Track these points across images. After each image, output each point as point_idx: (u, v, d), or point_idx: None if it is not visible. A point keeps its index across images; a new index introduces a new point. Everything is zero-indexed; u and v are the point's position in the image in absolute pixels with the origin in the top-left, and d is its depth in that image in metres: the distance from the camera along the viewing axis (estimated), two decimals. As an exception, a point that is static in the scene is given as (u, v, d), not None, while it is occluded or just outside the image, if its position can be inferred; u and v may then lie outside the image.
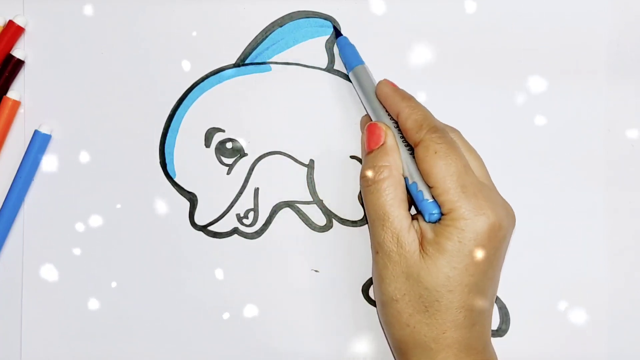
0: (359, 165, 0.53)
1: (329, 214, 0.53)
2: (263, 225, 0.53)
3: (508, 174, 0.53)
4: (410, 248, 0.44)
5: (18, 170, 0.52)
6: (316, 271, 0.51)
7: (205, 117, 0.53)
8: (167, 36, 0.53)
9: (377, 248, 0.46)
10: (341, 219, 0.53)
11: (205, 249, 0.53)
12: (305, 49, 0.53)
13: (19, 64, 0.53)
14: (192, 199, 0.53)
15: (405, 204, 0.46)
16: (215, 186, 0.53)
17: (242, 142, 0.53)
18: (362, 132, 0.49)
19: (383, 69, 0.53)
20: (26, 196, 0.53)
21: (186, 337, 0.52)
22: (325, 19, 0.53)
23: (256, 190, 0.53)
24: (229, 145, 0.53)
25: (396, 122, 0.48)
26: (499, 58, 0.53)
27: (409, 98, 0.48)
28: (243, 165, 0.53)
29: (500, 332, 0.52)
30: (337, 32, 0.52)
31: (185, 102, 0.53)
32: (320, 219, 0.53)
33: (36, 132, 0.52)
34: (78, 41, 0.53)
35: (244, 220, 0.53)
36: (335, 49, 0.53)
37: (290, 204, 0.53)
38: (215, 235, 0.53)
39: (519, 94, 0.53)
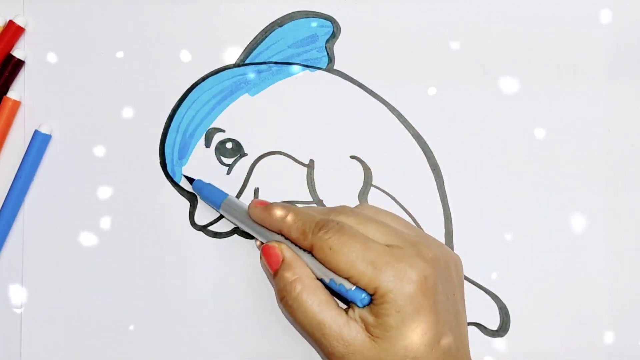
0: (359, 166, 0.53)
1: (329, 214, 0.53)
2: (263, 225, 0.53)
3: (508, 174, 0.53)
4: (359, 340, 0.44)
5: (18, 170, 0.52)
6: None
7: (205, 117, 0.53)
8: (167, 36, 0.53)
9: (330, 357, 0.45)
10: (341, 219, 0.53)
11: (205, 249, 0.53)
12: (305, 49, 0.53)
13: (19, 64, 0.53)
14: (192, 199, 0.53)
15: (333, 303, 0.45)
16: (215, 186, 0.53)
17: (242, 142, 0.53)
18: (260, 254, 0.48)
19: (383, 69, 0.53)
20: (26, 196, 0.53)
21: (186, 337, 0.52)
22: (325, 19, 0.53)
23: (256, 190, 0.53)
24: (229, 145, 0.53)
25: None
26: (499, 58, 0.53)
27: (281, 210, 0.47)
28: (243, 165, 0.53)
29: (500, 332, 0.52)
30: (189, 179, 0.52)
31: (185, 102, 0.53)
32: (320, 219, 0.53)
33: (36, 132, 0.52)
34: (78, 41, 0.53)
35: (244, 220, 0.53)
36: (335, 49, 0.53)
37: (290, 204, 0.53)
38: (215, 235, 0.53)
39: (519, 94, 0.53)
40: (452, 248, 0.53)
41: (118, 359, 0.52)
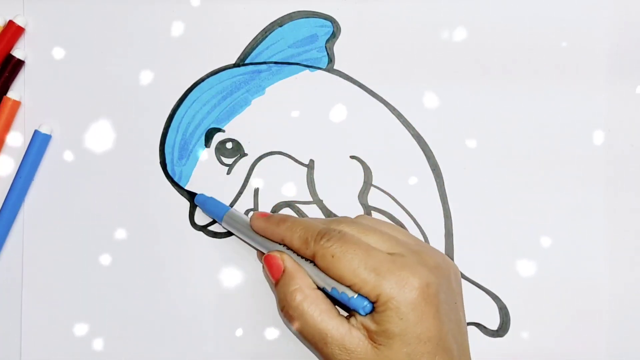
0: (359, 166, 0.53)
1: (329, 214, 0.53)
2: (263, 225, 0.53)
3: (508, 174, 0.53)
4: (361, 348, 0.44)
5: (18, 170, 0.52)
6: None
7: (205, 117, 0.53)
8: (167, 36, 0.53)
9: None
10: (341, 219, 0.53)
11: (205, 249, 0.53)
12: (305, 49, 0.53)
13: (19, 64, 0.53)
14: (192, 199, 0.53)
15: (334, 311, 0.45)
16: (215, 186, 0.53)
17: (242, 142, 0.53)
18: (262, 265, 0.49)
19: (383, 69, 0.53)
20: (26, 196, 0.53)
21: (186, 337, 0.52)
22: (325, 19, 0.53)
23: (256, 191, 0.53)
24: (229, 145, 0.53)
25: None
26: (499, 58, 0.53)
27: (283, 220, 0.47)
28: (243, 165, 0.53)
29: (500, 332, 0.52)
30: (192, 194, 0.52)
31: (185, 102, 0.53)
32: (320, 219, 0.53)
33: (36, 132, 0.52)
34: (78, 41, 0.53)
35: (244, 220, 0.53)
36: (335, 49, 0.53)
37: (290, 204, 0.53)
38: (215, 235, 0.53)
39: (519, 94, 0.53)
40: (452, 248, 0.53)
41: (118, 359, 0.52)
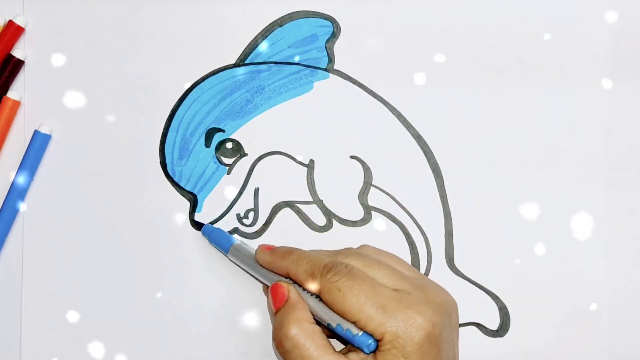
0: (359, 166, 0.53)
1: (328, 214, 0.53)
2: (263, 225, 0.53)
3: (508, 174, 0.53)
4: None
5: (18, 170, 0.52)
6: None
7: (205, 117, 0.53)
8: (167, 36, 0.53)
9: None
10: (341, 219, 0.53)
11: (205, 249, 0.53)
12: (305, 49, 0.53)
13: (19, 64, 0.53)
14: (192, 199, 0.53)
15: (330, 348, 0.45)
16: (215, 186, 0.53)
17: (242, 142, 0.53)
18: (267, 297, 0.48)
19: (383, 69, 0.53)
20: (26, 196, 0.53)
21: (186, 337, 0.52)
22: (325, 19, 0.53)
23: (256, 190, 0.53)
24: (229, 145, 0.53)
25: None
26: (499, 58, 0.53)
27: (289, 253, 0.47)
28: (243, 165, 0.53)
29: (500, 332, 0.52)
30: (199, 224, 0.52)
31: (185, 102, 0.53)
32: (320, 219, 0.53)
33: (36, 132, 0.52)
34: (78, 41, 0.53)
35: (244, 220, 0.53)
36: (335, 49, 0.53)
37: (290, 204, 0.53)
38: (215, 235, 0.53)
39: (519, 94, 0.53)
40: (452, 248, 0.53)
41: (118, 359, 0.52)
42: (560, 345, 0.52)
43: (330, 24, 0.53)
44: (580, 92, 0.53)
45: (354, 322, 0.44)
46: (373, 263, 0.46)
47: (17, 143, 0.53)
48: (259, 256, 0.49)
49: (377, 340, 0.44)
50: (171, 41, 0.53)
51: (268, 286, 0.48)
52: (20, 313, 0.53)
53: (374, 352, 0.44)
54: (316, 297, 0.46)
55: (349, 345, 0.46)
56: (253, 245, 0.51)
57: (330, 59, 0.53)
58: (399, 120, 0.53)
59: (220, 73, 0.53)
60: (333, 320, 0.45)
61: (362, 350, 0.44)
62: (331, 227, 0.53)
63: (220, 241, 0.51)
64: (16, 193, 0.52)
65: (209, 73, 0.53)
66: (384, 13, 0.53)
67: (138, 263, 0.53)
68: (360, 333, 0.44)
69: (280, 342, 0.45)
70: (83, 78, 0.53)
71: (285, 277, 0.47)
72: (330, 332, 0.46)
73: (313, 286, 0.45)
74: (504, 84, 0.53)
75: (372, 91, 0.53)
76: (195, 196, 0.53)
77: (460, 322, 0.51)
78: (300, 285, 0.47)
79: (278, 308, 0.46)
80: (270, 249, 0.48)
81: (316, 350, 0.44)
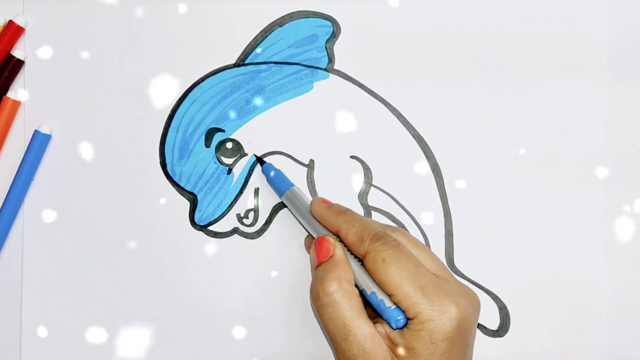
0: (359, 166, 0.53)
1: (329, 214, 0.53)
2: (263, 225, 0.53)
3: (508, 173, 0.53)
4: (380, 356, 0.43)
5: (18, 170, 0.52)
6: None
7: (205, 117, 0.53)
8: (167, 36, 0.53)
9: None
10: (341, 219, 0.53)
11: (205, 249, 0.53)
12: (305, 49, 0.53)
13: (19, 64, 0.53)
14: (192, 199, 0.53)
15: (363, 312, 0.45)
16: (215, 186, 0.53)
17: (242, 142, 0.53)
18: (309, 252, 0.48)
19: (383, 69, 0.53)
20: (26, 196, 0.53)
21: (186, 337, 0.52)
22: (325, 19, 0.53)
23: (256, 190, 0.53)
24: (229, 145, 0.53)
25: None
26: (499, 58, 0.53)
27: (344, 212, 0.47)
28: (243, 165, 0.53)
29: (500, 332, 0.52)
30: (261, 160, 0.52)
31: (185, 102, 0.53)
32: (320, 219, 0.53)
33: (36, 132, 0.52)
34: (78, 41, 0.53)
35: (244, 220, 0.53)
36: (335, 49, 0.53)
37: (290, 204, 0.53)
38: (215, 235, 0.53)
39: (519, 94, 0.53)
40: (452, 248, 0.53)
41: (118, 358, 0.52)
42: (560, 345, 0.52)
43: (330, 24, 0.53)
44: (581, 92, 0.53)
45: (389, 295, 0.44)
46: (419, 245, 0.47)
47: (17, 143, 0.53)
48: (315, 207, 0.49)
49: (408, 319, 0.44)
50: (171, 41, 0.53)
51: (311, 240, 0.48)
52: (20, 313, 0.53)
53: (401, 329, 0.44)
54: (359, 261, 0.46)
55: (377, 317, 0.46)
56: (252, 244, 0.51)
57: (330, 59, 0.53)
58: (399, 120, 0.53)
59: (220, 73, 0.53)
60: (369, 287, 0.45)
61: (389, 324, 0.44)
62: (331, 227, 0.53)
63: (277, 182, 0.51)
64: (16, 193, 0.52)
65: (209, 73, 0.53)
66: (384, 13, 0.53)
67: (138, 263, 0.53)
68: (393, 306, 0.44)
69: (317, 296, 0.45)
70: (83, 78, 0.53)
71: (334, 235, 0.47)
72: (362, 299, 0.46)
73: (360, 249, 0.45)
74: (504, 84, 0.53)
75: (372, 91, 0.53)
76: (195, 196, 0.53)
77: (461, 322, 0.51)
78: (346, 246, 0.47)
79: (320, 262, 0.46)
80: (327, 204, 0.49)
81: (351, 311, 0.44)
